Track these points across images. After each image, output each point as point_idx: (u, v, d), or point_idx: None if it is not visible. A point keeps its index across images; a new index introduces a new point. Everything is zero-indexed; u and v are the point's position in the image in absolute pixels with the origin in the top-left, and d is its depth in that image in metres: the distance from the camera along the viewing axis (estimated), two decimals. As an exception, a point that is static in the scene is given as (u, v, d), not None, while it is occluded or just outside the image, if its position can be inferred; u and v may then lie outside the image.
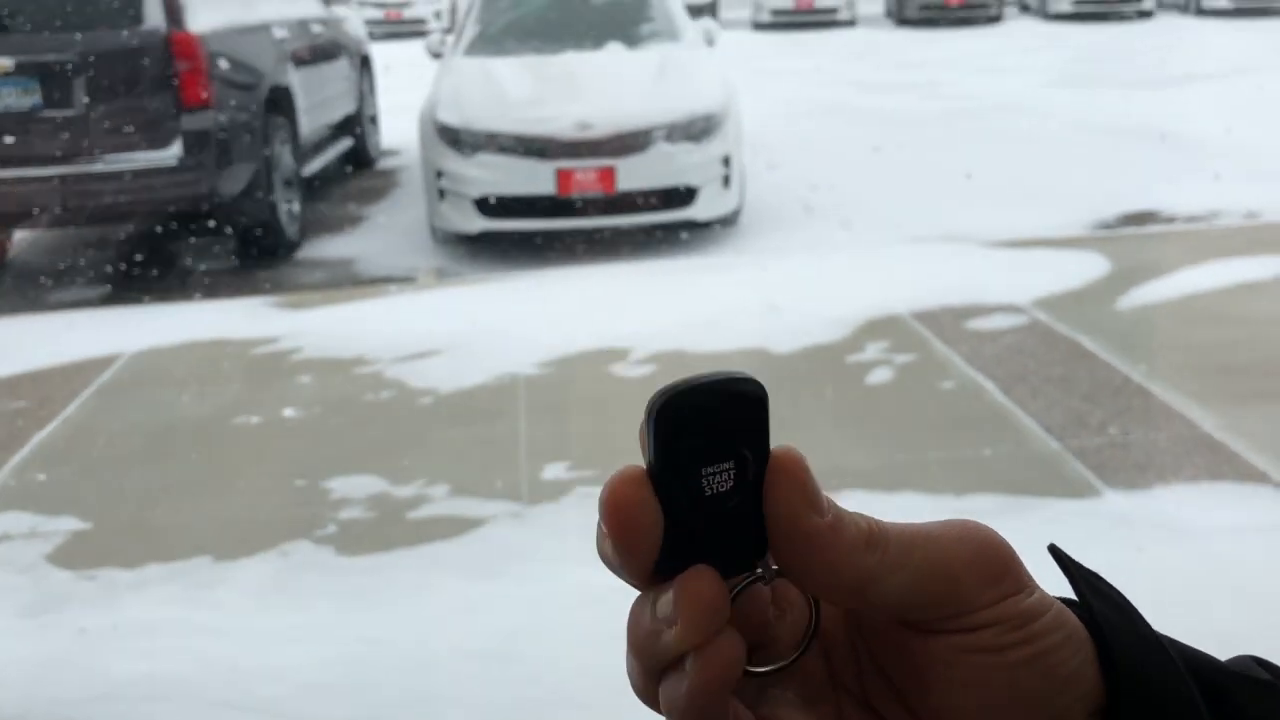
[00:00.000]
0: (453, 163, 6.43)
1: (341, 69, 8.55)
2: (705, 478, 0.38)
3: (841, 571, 0.39)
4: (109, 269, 6.74)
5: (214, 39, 6.06)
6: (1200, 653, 0.44)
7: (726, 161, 6.49)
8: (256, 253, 6.58)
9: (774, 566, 0.40)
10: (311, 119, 7.45)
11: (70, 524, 3.29)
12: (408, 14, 21.37)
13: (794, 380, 4.15)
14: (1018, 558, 0.42)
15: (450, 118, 6.57)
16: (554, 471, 3.42)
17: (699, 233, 6.60)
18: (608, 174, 6.25)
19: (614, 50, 7.39)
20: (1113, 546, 2.85)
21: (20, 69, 5.75)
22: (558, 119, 6.40)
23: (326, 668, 2.53)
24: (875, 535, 0.40)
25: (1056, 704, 0.41)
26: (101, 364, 4.66)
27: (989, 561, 0.41)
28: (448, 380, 4.23)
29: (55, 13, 5.89)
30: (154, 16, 5.86)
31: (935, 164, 8.29)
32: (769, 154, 8.49)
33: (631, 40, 7.52)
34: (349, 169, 9.00)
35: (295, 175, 6.94)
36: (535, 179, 6.28)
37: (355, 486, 3.40)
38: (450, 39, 7.91)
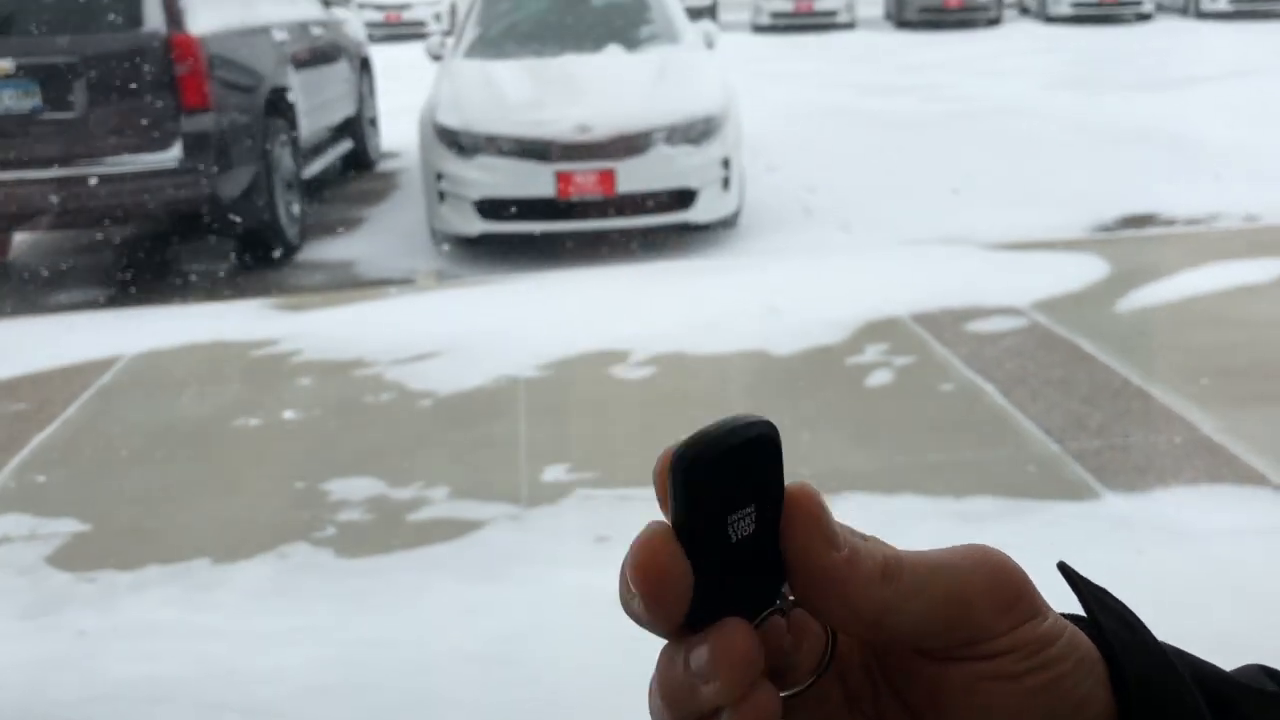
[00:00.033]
0: (452, 165, 6.44)
1: (341, 71, 8.55)
2: (730, 525, 0.39)
3: (859, 605, 0.40)
4: (109, 271, 6.74)
5: (214, 41, 6.06)
6: (1207, 664, 0.44)
7: (726, 164, 6.50)
8: (256, 255, 6.58)
9: (791, 597, 0.41)
10: (311, 121, 7.45)
11: (70, 526, 3.29)
12: (407, 16, 21.37)
13: (793, 382, 4.15)
14: (1030, 582, 0.42)
15: (450, 120, 6.57)
16: (554, 474, 3.42)
17: (699, 235, 6.60)
18: (607, 176, 6.25)
19: (614, 53, 7.39)
20: (1112, 549, 2.85)
21: (20, 71, 5.75)
22: (557, 121, 6.40)
23: (325, 670, 2.53)
24: (891, 566, 0.40)
25: None
26: (101, 366, 4.66)
27: (1003, 588, 0.41)
28: (447, 382, 4.23)
29: (55, 15, 5.89)
30: (154, 19, 5.86)
31: (935, 166, 8.30)
32: (768, 156, 8.49)
33: (631, 43, 7.53)
34: (349, 171, 9.00)
35: (295, 177, 6.94)
36: (535, 181, 6.28)
37: (354, 488, 3.40)
38: (450, 41, 7.92)
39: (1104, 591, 0.45)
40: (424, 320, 5.13)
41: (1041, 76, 12.78)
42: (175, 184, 5.92)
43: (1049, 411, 3.69)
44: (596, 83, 6.95)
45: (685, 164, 6.36)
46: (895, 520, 3.06)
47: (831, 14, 20.38)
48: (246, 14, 6.70)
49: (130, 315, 5.70)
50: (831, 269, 5.68)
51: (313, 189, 7.87)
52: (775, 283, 5.33)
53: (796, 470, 3.40)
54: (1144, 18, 19.47)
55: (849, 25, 20.45)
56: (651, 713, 0.41)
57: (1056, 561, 0.46)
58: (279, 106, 6.80)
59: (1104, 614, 0.43)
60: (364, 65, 9.30)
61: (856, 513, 3.11)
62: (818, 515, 0.40)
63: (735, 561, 0.39)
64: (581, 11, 7.95)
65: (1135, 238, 6.47)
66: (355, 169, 9.10)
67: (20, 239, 7.14)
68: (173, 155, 5.89)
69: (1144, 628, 0.43)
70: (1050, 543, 2.88)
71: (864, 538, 0.42)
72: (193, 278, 6.70)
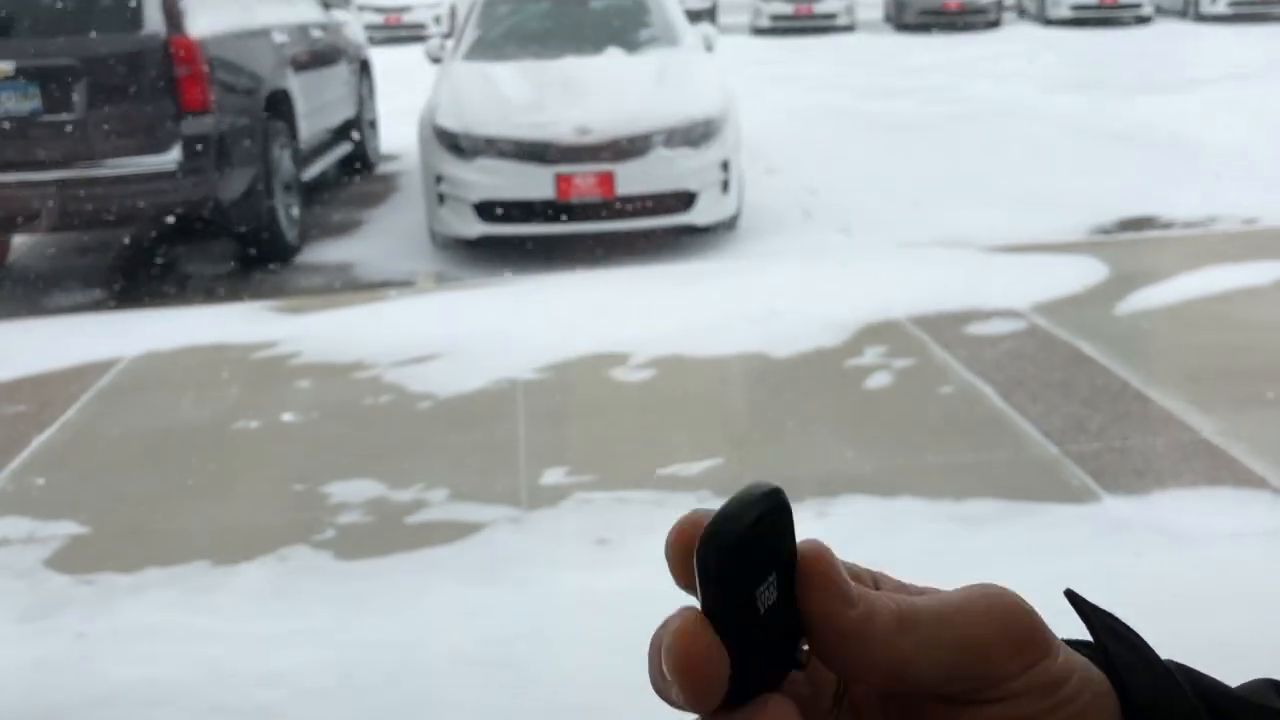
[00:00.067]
0: (452, 167, 6.44)
1: (341, 74, 8.56)
2: (758, 598, 0.39)
3: (877, 659, 0.40)
4: (108, 273, 6.74)
5: (213, 44, 6.06)
6: (1215, 681, 0.45)
7: (725, 166, 6.50)
8: (256, 257, 6.58)
9: (805, 647, 0.41)
10: (311, 124, 7.45)
11: (69, 528, 3.29)
12: (407, 19, 21.38)
13: (793, 385, 4.15)
14: (1041, 621, 0.42)
15: (450, 122, 6.58)
16: (553, 476, 3.42)
17: (698, 237, 6.60)
18: (607, 179, 6.25)
19: (613, 55, 7.40)
20: (1111, 552, 2.85)
21: (20, 73, 5.75)
22: (557, 124, 6.40)
23: (325, 672, 2.53)
24: (906, 617, 0.41)
25: None
26: (101, 368, 4.66)
27: (1017, 631, 0.42)
28: (447, 384, 4.23)
29: (55, 17, 5.89)
30: (154, 21, 5.86)
31: (934, 169, 8.30)
32: (768, 159, 8.50)
33: (630, 45, 7.53)
34: (348, 174, 9.01)
35: (295, 180, 6.94)
36: (534, 183, 6.28)
37: (354, 491, 3.40)
38: (450, 44, 7.92)
39: (1111, 617, 0.45)
40: (423, 322, 5.13)
41: (1040, 79, 12.79)
42: (175, 186, 5.92)
43: (1048, 414, 3.69)
44: (596, 85, 6.96)
45: (685, 166, 6.37)
46: (894, 522, 3.06)
47: (831, 16, 20.40)
48: (246, 16, 6.70)
49: (130, 317, 5.70)
50: (831, 271, 5.69)
51: (312, 191, 7.87)
52: (774, 285, 5.34)
53: (798, 471, 3.41)
54: (1143, 20, 19.49)
55: (848, 28, 20.46)
56: None
57: (1064, 589, 0.47)
58: (279, 109, 6.80)
59: (1112, 641, 0.44)
60: (364, 68, 9.31)
61: (856, 515, 3.11)
62: (832, 575, 0.40)
63: (764, 632, 0.39)
64: (581, 14, 7.96)
65: (1134, 240, 6.47)
66: (355, 171, 9.10)
67: (20, 241, 7.14)
68: (172, 157, 5.89)
69: (1152, 653, 0.44)
70: (1049, 545, 2.88)
71: (874, 576, 0.43)
72: (192, 280, 6.70)
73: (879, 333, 4.54)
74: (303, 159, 7.22)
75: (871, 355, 4.30)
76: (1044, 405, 3.77)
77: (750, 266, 6.01)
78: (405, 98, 9.04)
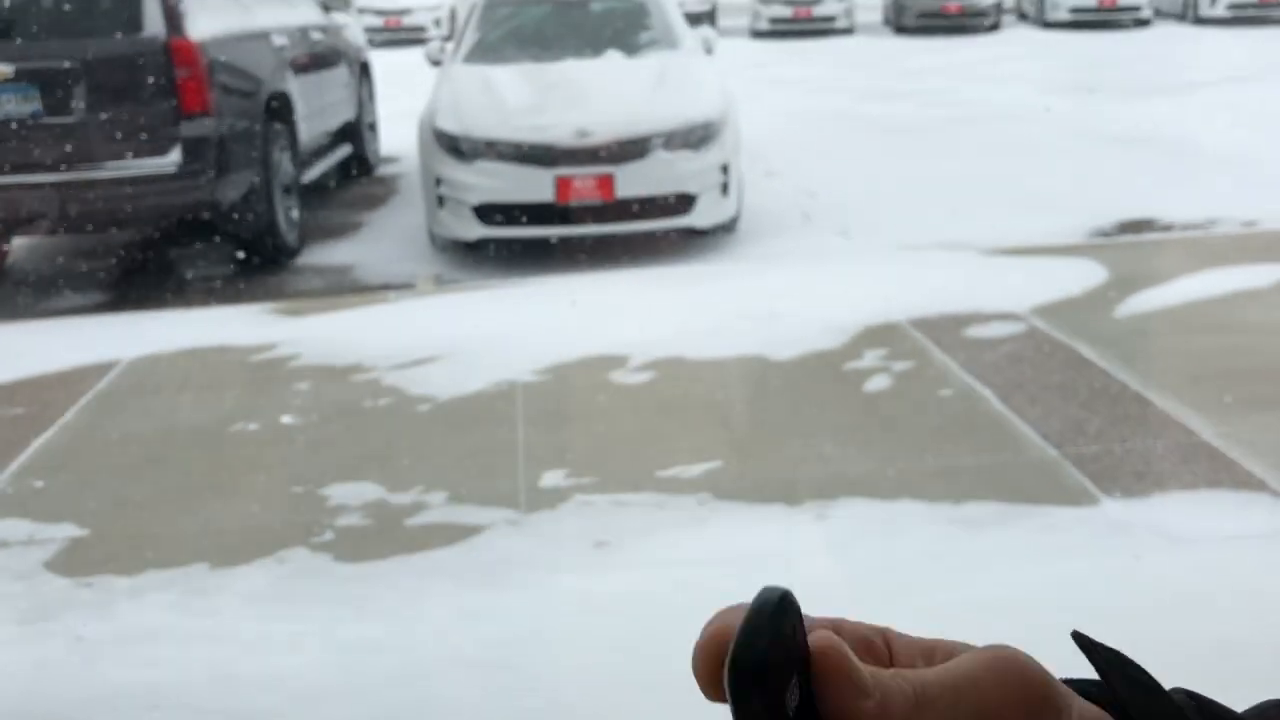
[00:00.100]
0: (452, 170, 6.44)
1: (341, 76, 8.56)
2: (787, 704, 0.40)
3: None
4: (108, 275, 6.74)
5: (213, 46, 6.07)
6: (1224, 709, 0.45)
7: (725, 169, 6.50)
8: (255, 259, 6.58)
9: None
10: (311, 126, 7.46)
11: (68, 531, 3.29)
12: (407, 22, 21.38)
13: (792, 387, 4.15)
14: (1052, 680, 0.43)
15: (449, 125, 6.58)
16: (552, 479, 3.42)
17: (697, 240, 6.61)
18: (606, 181, 6.25)
19: (613, 58, 7.40)
20: (1110, 554, 2.85)
21: (20, 75, 5.76)
22: (557, 126, 6.41)
23: (324, 675, 2.53)
24: (921, 698, 0.41)
25: None
26: (100, 370, 4.65)
27: (1029, 697, 0.42)
28: (446, 387, 4.23)
29: (55, 19, 5.90)
30: (154, 24, 5.87)
31: (933, 172, 8.31)
32: (767, 162, 8.50)
33: (630, 48, 7.54)
34: (348, 176, 9.01)
35: (294, 182, 6.94)
36: (534, 186, 6.29)
37: (353, 493, 3.40)
38: (449, 46, 7.93)
39: (1120, 656, 0.45)
40: (423, 325, 5.14)
41: (1040, 82, 12.80)
42: (174, 189, 5.92)
43: (1047, 416, 3.69)
44: (596, 88, 6.96)
45: (684, 169, 6.37)
46: (893, 524, 3.06)
47: (830, 19, 20.40)
48: (246, 19, 6.71)
49: (129, 320, 5.70)
50: (830, 274, 5.69)
51: (312, 194, 7.87)
52: (774, 288, 5.34)
53: (797, 474, 3.41)
54: (1142, 23, 19.49)
55: (848, 31, 20.46)
56: None
57: (1071, 631, 0.47)
58: (278, 111, 6.80)
59: (1122, 683, 0.44)
60: (363, 70, 9.31)
61: (855, 518, 3.11)
62: (845, 669, 0.41)
63: None
64: (581, 17, 7.96)
65: (1134, 243, 6.48)
66: (355, 174, 9.10)
67: (19, 243, 7.14)
68: (172, 160, 5.90)
69: (1161, 690, 0.44)
70: (1048, 548, 2.88)
71: (884, 637, 0.43)
72: (191, 282, 6.70)
73: (878, 335, 4.54)
74: (302, 161, 7.22)
75: (871, 358, 4.31)
76: (1043, 408, 3.77)
77: (750, 269, 6.02)
78: (405, 100, 9.04)
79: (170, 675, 2.55)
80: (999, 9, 20.12)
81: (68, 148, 5.82)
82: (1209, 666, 2.26)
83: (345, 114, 8.61)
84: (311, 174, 7.59)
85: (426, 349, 4.63)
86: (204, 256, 7.00)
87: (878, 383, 4.09)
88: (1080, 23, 19.47)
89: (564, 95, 6.85)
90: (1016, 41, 18.02)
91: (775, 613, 0.40)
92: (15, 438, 3.99)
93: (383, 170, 9.48)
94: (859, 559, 2.95)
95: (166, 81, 5.86)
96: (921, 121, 10.43)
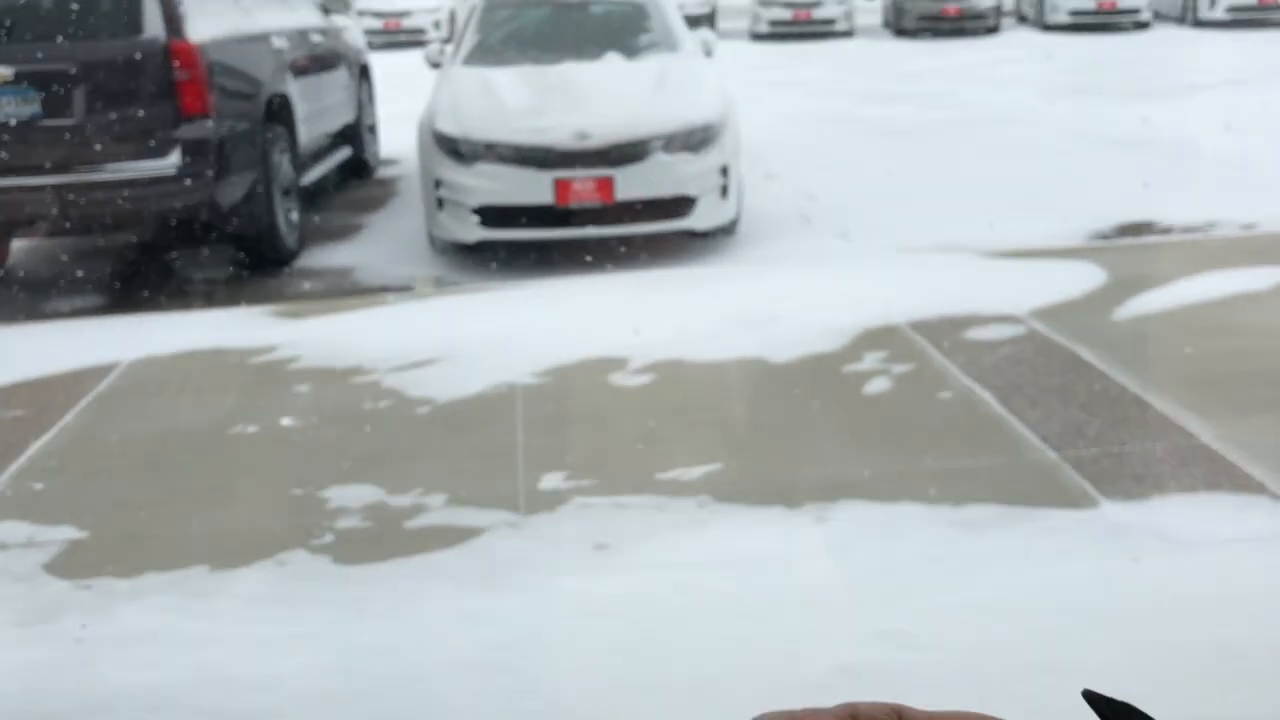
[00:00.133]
0: (451, 172, 6.44)
1: (340, 78, 8.56)
2: None
3: None
4: (107, 278, 6.74)
5: (213, 48, 6.07)
6: None
7: (724, 172, 6.50)
8: (255, 262, 6.58)
9: None
10: (310, 128, 7.46)
11: (67, 533, 3.29)
12: (406, 24, 21.38)
13: (792, 390, 4.15)
14: None
15: (449, 127, 6.58)
16: (552, 481, 3.42)
17: (697, 242, 6.61)
18: (606, 184, 6.25)
19: (612, 60, 7.41)
20: (1109, 557, 2.85)
21: (20, 78, 5.76)
22: (556, 129, 6.41)
23: (324, 677, 2.53)
24: None
25: None
26: (99, 373, 4.65)
27: None
28: (445, 389, 4.23)
29: (55, 21, 5.90)
30: (153, 26, 5.87)
31: (933, 174, 8.31)
32: (767, 164, 8.50)
33: (630, 51, 7.54)
34: (348, 178, 9.01)
35: (294, 184, 6.94)
36: (534, 188, 6.29)
37: (352, 496, 3.40)
38: (449, 49, 7.93)
39: (1128, 708, 0.46)
40: (422, 327, 5.14)
41: (1039, 84, 12.80)
42: (174, 191, 5.92)
43: (1047, 419, 3.70)
44: (595, 90, 6.96)
45: (684, 171, 6.37)
46: (893, 527, 3.06)
47: (830, 22, 20.40)
48: (246, 21, 6.71)
49: (128, 322, 5.69)
50: (830, 277, 5.69)
51: (311, 196, 7.87)
52: (773, 290, 5.34)
53: (797, 476, 3.41)
54: (1141, 26, 19.50)
55: (847, 33, 20.46)
56: None
57: (1081, 690, 0.47)
58: (278, 114, 6.80)
59: None
60: (363, 72, 9.31)
61: (855, 520, 3.11)
62: None
63: None
64: (580, 19, 7.96)
65: (1133, 246, 6.48)
66: (354, 176, 9.10)
67: (18, 245, 7.14)
68: (171, 162, 5.90)
69: None
70: (1048, 550, 2.88)
71: (899, 715, 0.44)
72: (191, 284, 6.70)
73: (878, 338, 4.54)
74: (302, 164, 7.22)
75: (870, 360, 4.31)
76: (1042, 410, 3.77)
77: (749, 272, 6.02)
78: (405, 103, 9.04)
79: (170, 677, 2.55)
80: (998, 11, 20.13)
81: (67, 150, 5.82)
82: (1208, 669, 2.26)
83: (345, 116, 8.61)
84: (311, 176, 7.59)
85: (426, 351, 4.63)
86: (203, 259, 7.00)
87: (877, 385, 4.09)
88: (1079, 25, 19.48)
89: (563, 98, 6.85)
90: (1016, 44, 18.03)
91: None
92: (15, 440, 3.99)
93: (382, 172, 9.48)
94: (858, 561, 2.96)
95: (166, 84, 5.86)
96: (921, 124, 10.44)
